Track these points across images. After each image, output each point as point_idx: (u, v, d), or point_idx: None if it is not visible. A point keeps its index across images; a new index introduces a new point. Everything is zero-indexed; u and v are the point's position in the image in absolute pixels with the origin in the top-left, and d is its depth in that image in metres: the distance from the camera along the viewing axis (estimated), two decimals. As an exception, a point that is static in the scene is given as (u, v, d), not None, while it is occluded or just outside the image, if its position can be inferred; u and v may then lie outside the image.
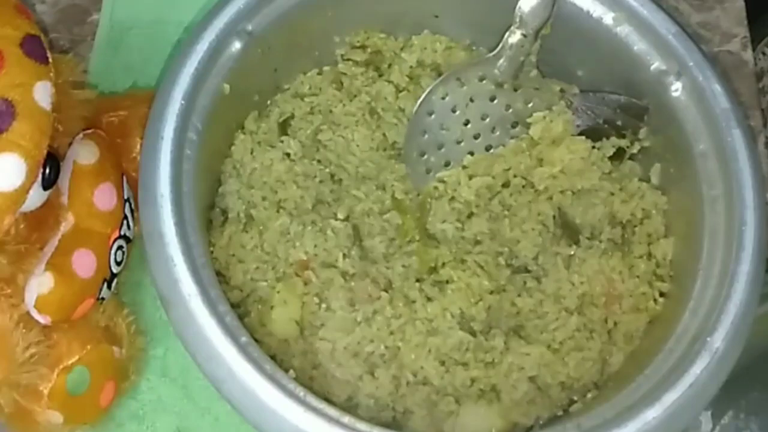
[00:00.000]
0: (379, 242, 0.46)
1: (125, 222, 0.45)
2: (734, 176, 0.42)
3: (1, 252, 0.40)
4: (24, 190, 0.38)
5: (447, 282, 0.45)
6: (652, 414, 0.37)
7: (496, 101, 0.48)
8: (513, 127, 0.49)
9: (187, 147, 0.42)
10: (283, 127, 0.49)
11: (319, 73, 0.51)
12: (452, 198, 0.48)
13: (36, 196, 0.39)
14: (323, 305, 0.44)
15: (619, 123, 0.48)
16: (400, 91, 0.50)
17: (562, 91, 0.49)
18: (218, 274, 0.43)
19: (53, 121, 0.39)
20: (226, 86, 0.44)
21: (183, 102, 0.42)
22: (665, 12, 0.45)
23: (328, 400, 0.38)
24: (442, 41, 0.51)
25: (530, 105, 0.49)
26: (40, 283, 0.40)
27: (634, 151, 0.48)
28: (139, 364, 0.48)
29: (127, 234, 0.45)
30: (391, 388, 0.42)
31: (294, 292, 0.44)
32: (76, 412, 0.43)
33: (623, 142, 0.48)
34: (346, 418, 0.36)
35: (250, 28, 0.45)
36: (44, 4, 0.59)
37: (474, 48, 0.52)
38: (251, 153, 0.48)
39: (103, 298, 0.44)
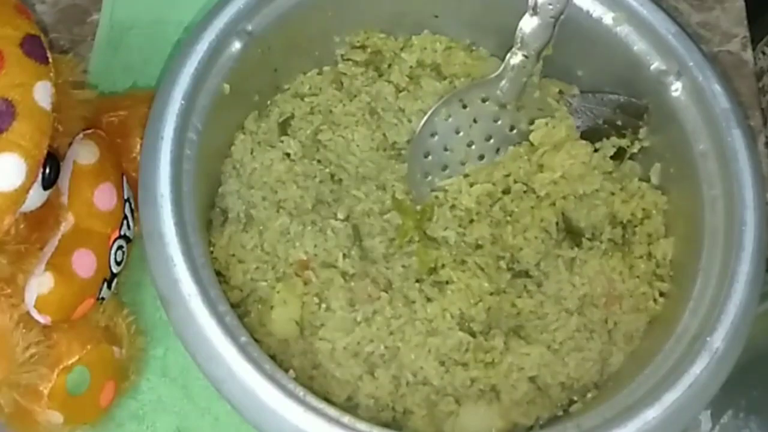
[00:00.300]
0: (379, 242, 0.46)
1: (125, 222, 0.45)
2: (734, 176, 0.42)
3: (1, 252, 0.40)
4: (24, 190, 0.38)
5: (447, 283, 0.45)
6: (652, 414, 0.37)
7: (499, 122, 0.48)
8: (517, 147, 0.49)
9: (187, 147, 0.42)
10: (283, 127, 0.49)
11: (319, 73, 0.51)
12: (453, 206, 0.47)
13: (36, 196, 0.39)
14: (323, 305, 0.44)
15: (619, 123, 0.48)
16: (400, 91, 0.50)
17: (560, 92, 0.49)
18: (218, 274, 0.43)
19: (53, 121, 0.39)
20: (226, 86, 0.44)
21: (183, 102, 0.42)
22: (665, 12, 0.45)
23: (328, 400, 0.38)
24: (442, 41, 0.51)
25: (534, 125, 0.49)
26: (40, 283, 0.40)
27: (635, 150, 0.48)
28: (139, 364, 0.48)
29: (127, 234, 0.45)
30: (391, 388, 0.42)
31: (294, 292, 0.44)
32: (76, 412, 0.43)
33: (623, 142, 0.48)
34: (346, 418, 0.36)
35: (250, 28, 0.45)
36: (44, 4, 0.59)
37: (474, 48, 0.52)
38: (251, 153, 0.48)
39: (103, 298, 0.44)
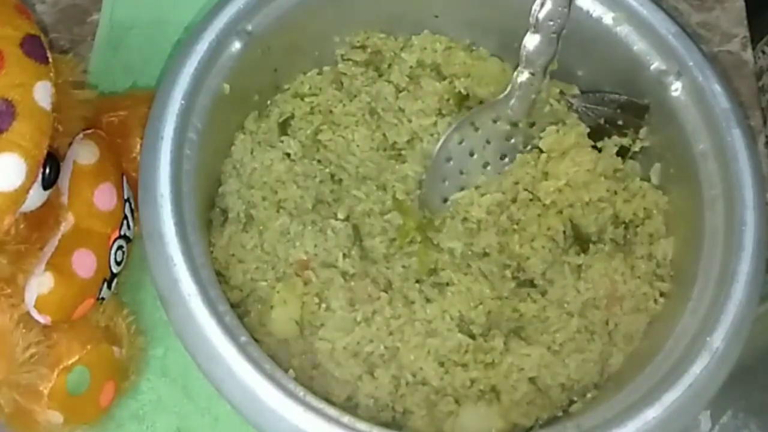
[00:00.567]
0: (380, 242, 0.46)
1: (125, 222, 0.45)
2: (734, 176, 0.42)
3: (1, 252, 0.40)
4: (24, 190, 0.38)
5: (447, 284, 0.45)
6: (652, 414, 0.37)
7: (512, 140, 0.48)
8: None
9: (187, 147, 0.42)
10: (283, 127, 0.49)
11: (319, 73, 0.51)
12: (465, 219, 0.47)
13: (36, 196, 0.39)
14: (323, 305, 0.44)
15: (620, 122, 0.48)
16: (400, 91, 0.50)
17: (561, 92, 0.49)
18: (218, 274, 0.43)
19: (53, 121, 0.39)
20: (226, 86, 0.44)
21: (183, 102, 0.42)
22: (665, 12, 0.45)
23: (328, 400, 0.38)
24: (442, 41, 0.51)
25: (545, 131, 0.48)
26: (40, 283, 0.40)
27: (636, 149, 0.48)
28: (139, 364, 0.48)
29: (127, 234, 0.45)
30: (391, 388, 0.42)
31: (294, 292, 0.44)
32: (76, 412, 0.43)
33: (625, 141, 0.48)
34: (346, 418, 0.36)
35: (250, 28, 0.45)
36: (44, 4, 0.59)
37: (474, 48, 0.52)
38: (251, 153, 0.48)
39: (103, 298, 0.44)
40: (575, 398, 0.43)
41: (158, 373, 0.48)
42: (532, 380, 0.43)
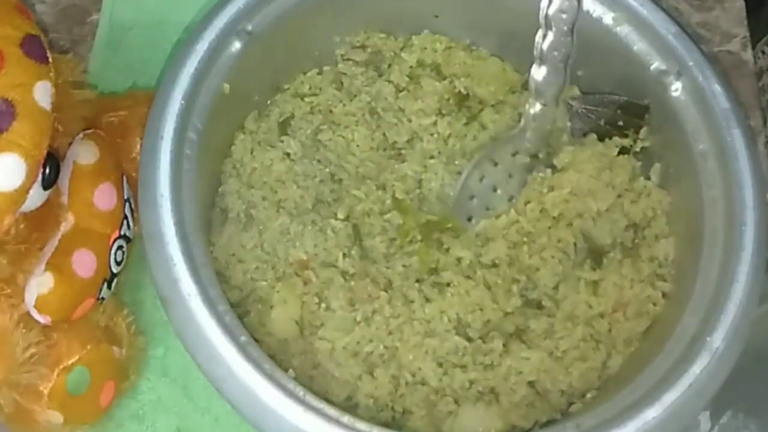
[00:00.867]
0: (380, 242, 0.46)
1: (125, 222, 0.45)
2: (734, 176, 0.42)
3: (1, 252, 0.40)
4: (24, 190, 0.38)
5: (448, 285, 0.44)
6: (652, 414, 0.37)
7: (534, 171, 0.48)
8: None
9: (187, 147, 0.42)
10: (283, 127, 0.49)
11: (319, 73, 0.51)
12: (478, 234, 0.47)
13: (36, 196, 0.39)
14: (323, 305, 0.44)
15: (620, 123, 0.48)
16: (400, 91, 0.50)
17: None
18: (218, 273, 0.43)
19: (53, 121, 0.39)
20: (226, 86, 0.44)
21: (183, 102, 0.42)
22: (665, 12, 0.45)
23: (328, 400, 0.37)
24: (442, 41, 0.51)
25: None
26: (40, 283, 0.40)
27: (637, 149, 0.48)
28: (139, 364, 0.48)
29: (127, 234, 0.45)
30: (390, 388, 0.42)
31: (294, 292, 0.44)
32: (76, 412, 0.43)
33: (626, 142, 0.48)
34: (346, 418, 0.36)
35: (250, 27, 0.45)
36: (44, 4, 0.59)
37: (474, 48, 0.52)
38: (251, 153, 0.48)
39: (103, 298, 0.44)
40: (575, 400, 0.43)
41: (158, 373, 0.48)
42: (531, 384, 0.43)
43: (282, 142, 0.48)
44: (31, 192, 0.38)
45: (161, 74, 0.55)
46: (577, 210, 0.46)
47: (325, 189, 0.47)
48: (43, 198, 0.40)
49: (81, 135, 0.44)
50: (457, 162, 0.49)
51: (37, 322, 0.41)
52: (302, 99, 0.50)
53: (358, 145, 0.49)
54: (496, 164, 0.48)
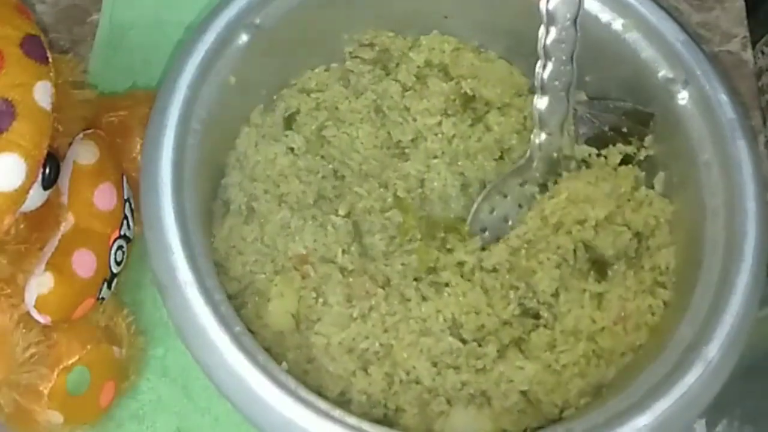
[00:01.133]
0: (379, 240, 0.46)
1: (125, 222, 0.45)
2: (737, 187, 0.41)
3: (1, 252, 0.40)
4: (24, 190, 0.38)
5: (446, 285, 0.44)
6: (643, 421, 0.36)
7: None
8: None
9: (191, 136, 0.42)
10: (289, 122, 0.49)
11: (326, 70, 0.51)
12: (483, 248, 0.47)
13: (36, 196, 0.39)
14: (320, 300, 0.43)
15: (624, 130, 0.48)
16: (407, 91, 0.50)
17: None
18: (217, 264, 0.43)
19: (53, 121, 0.39)
20: (232, 78, 0.45)
21: (188, 91, 0.42)
22: (674, 20, 0.45)
23: (321, 395, 0.38)
24: (451, 42, 0.51)
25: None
26: (40, 283, 0.40)
27: (641, 158, 0.48)
28: (139, 364, 0.48)
29: (127, 234, 0.45)
30: (384, 385, 0.42)
31: (291, 286, 0.44)
32: (76, 412, 0.43)
33: (629, 149, 0.48)
34: (337, 412, 0.36)
35: (258, 21, 0.45)
36: (44, 4, 0.59)
37: (482, 50, 0.52)
38: (255, 146, 0.48)
39: (103, 298, 0.44)
40: (567, 408, 0.43)
41: (158, 373, 0.48)
42: (523, 393, 0.42)
43: (286, 136, 0.48)
44: (31, 192, 0.38)
45: (162, 73, 0.54)
46: (574, 217, 0.46)
47: (327, 185, 0.47)
48: (43, 198, 0.40)
49: (81, 135, 0.44)
50: (460, 163, 0.48)
51: (37, 322, 0.41)
52: (308, 95, 0.50)
53: (362, 143, 0.49)
54: (505, 196, 0.47)
